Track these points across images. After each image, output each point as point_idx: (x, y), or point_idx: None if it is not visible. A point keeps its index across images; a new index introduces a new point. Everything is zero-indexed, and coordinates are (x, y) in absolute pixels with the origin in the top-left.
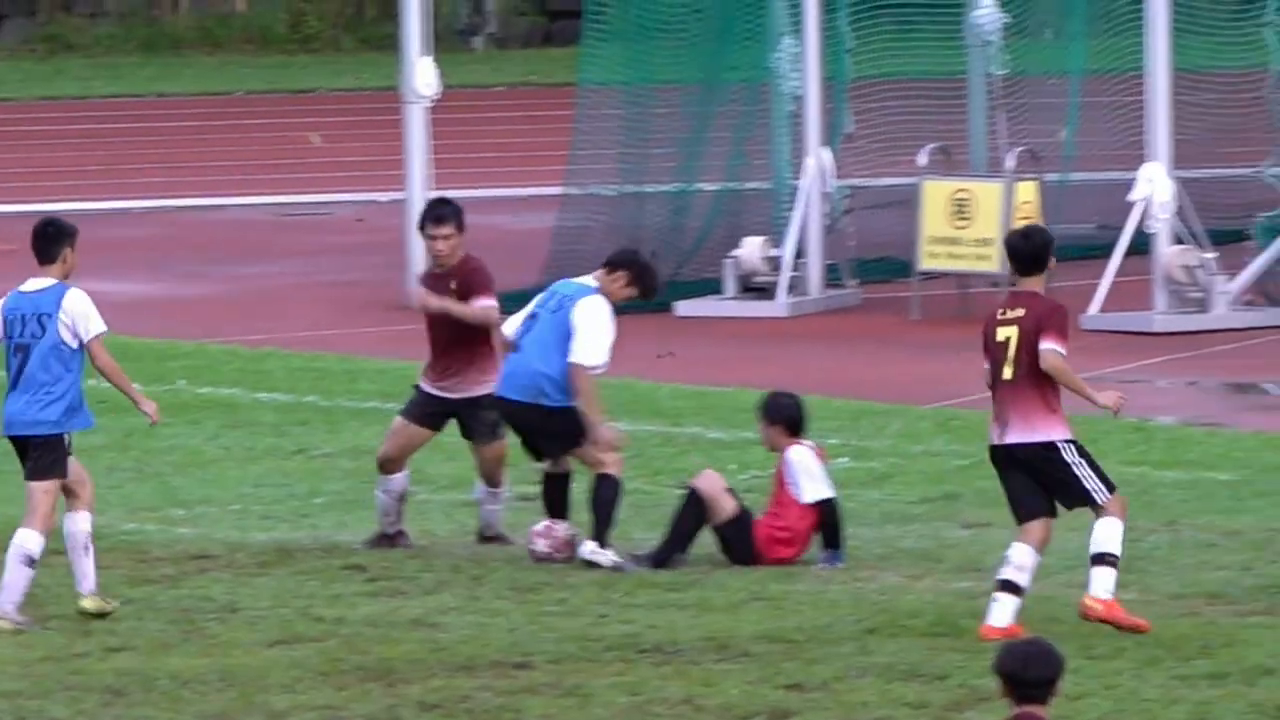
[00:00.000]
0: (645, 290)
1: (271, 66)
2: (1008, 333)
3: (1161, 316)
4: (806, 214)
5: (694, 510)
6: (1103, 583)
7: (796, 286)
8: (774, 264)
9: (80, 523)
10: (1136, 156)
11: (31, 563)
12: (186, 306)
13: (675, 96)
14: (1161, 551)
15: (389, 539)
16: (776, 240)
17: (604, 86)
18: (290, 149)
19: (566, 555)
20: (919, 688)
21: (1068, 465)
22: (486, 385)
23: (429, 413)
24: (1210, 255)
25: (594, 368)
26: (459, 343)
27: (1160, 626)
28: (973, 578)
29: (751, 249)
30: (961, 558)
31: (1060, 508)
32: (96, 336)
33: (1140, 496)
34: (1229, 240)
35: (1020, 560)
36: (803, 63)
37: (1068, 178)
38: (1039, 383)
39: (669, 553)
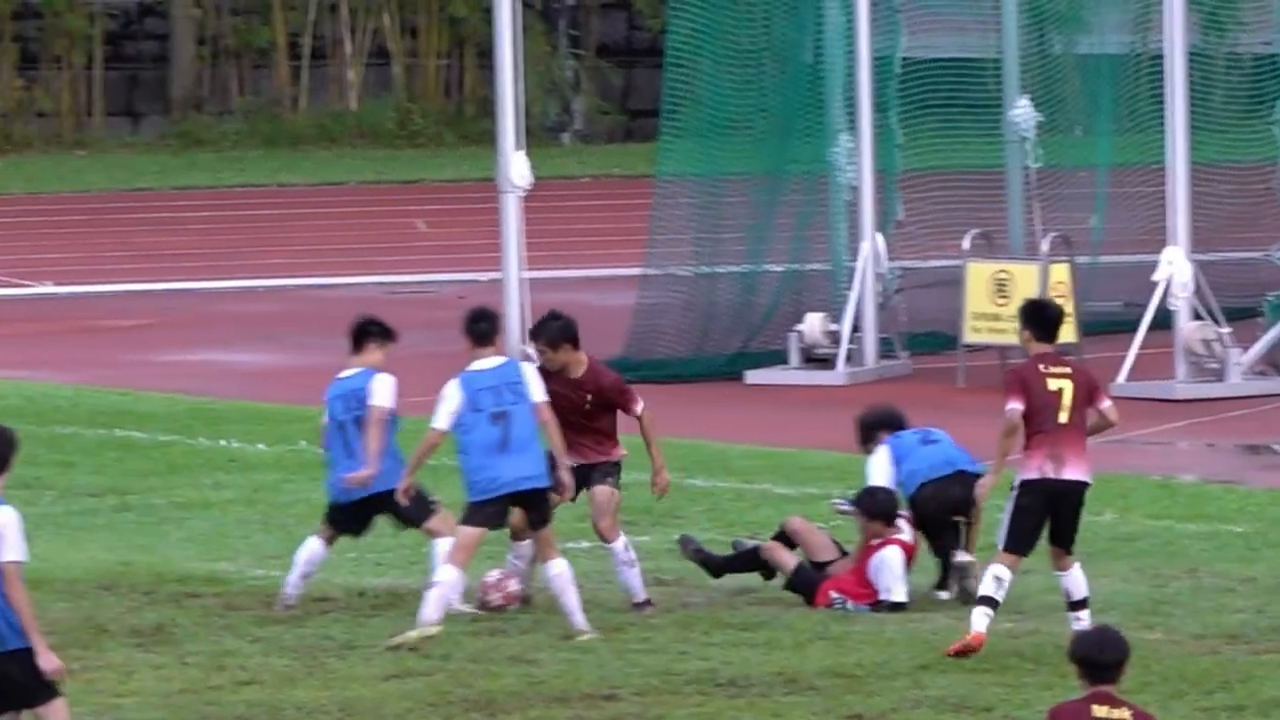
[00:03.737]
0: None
1: (381, 159)
2: (1060, 384)
3: (1182, 385)
4: (862, 292)
5: (756, 561)
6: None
7: (853, 358)
8: (833, 337)
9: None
10: (1158, 241)
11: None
12: (306, 375)
13: (743, 187)
14: (1184, 596)
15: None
16: (835, 316)
17: (679, 178)
18: (398, 233)
19: (516, 608)
20: (967, 718)
21: (1083, 507)
22: (615, 453)
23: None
24: (1225, 330)
25: None
26: (584, 429)
27: (1184, 663)
28: (1015, 619)
29: (813, 324)
30: (1005, 600)
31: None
32: (543, 401)
33: (1165, 547)
34: (1242, 316)
35: (1009, 580)
36: (858, 157)
37: (1097, 260)
38: (1084, 430)
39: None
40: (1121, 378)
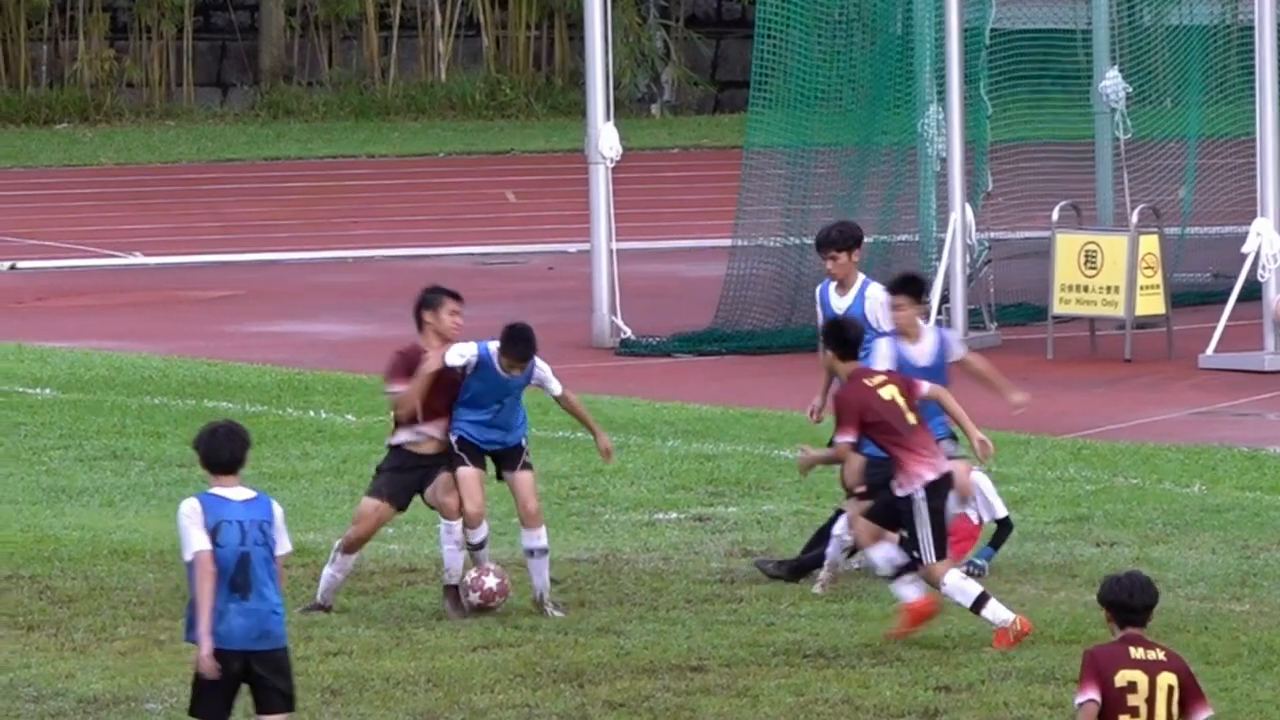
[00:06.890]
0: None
1: (470, 130)
2: (890, 392)
3: (1271, 356)
4: (951, 263)
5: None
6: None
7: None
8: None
9: None
10: (1248, 213)
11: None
12: (394, 345)
13: (832, 158)
14: (1273, 568)
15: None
16: None
17: (768, 149)
18: (487, 204)
19: (499, 604)
20: (1055, 690)
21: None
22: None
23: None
24: None
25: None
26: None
27: (1273, 635)
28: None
29: None
30: (1093, 573)
31: None
32: None
33: (1254, 518)
34: None
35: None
36: (947, 128)
37: (1186, 231)
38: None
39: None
40: (1210, 349)
